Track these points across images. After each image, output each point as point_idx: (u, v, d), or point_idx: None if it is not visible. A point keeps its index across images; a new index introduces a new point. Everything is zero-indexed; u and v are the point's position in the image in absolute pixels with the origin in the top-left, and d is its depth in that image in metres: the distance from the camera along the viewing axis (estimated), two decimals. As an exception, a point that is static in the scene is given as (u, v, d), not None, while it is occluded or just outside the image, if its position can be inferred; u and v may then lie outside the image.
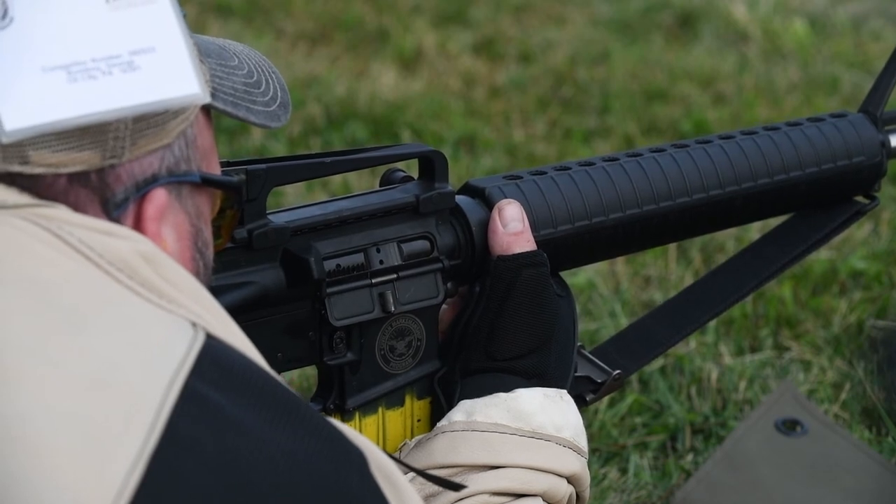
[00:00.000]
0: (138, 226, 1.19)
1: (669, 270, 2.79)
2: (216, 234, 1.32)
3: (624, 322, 2.56)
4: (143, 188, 1.19)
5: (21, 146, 1.14)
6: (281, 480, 1.09)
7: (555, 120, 3.62)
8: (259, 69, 1.34)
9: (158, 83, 1.18)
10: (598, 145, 3.45)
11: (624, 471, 2.21)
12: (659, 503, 2.15)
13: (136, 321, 1.12)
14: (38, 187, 1.16)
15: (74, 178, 1.17)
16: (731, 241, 2.86)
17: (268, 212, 1.43)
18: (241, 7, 4.28)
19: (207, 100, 1.22)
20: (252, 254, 1.42)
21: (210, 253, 1.26)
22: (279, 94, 1.34)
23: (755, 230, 2.81)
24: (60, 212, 1.15)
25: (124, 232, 1.16)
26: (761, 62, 4.01)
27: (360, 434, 1.20)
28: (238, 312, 1.31)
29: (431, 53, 4.01)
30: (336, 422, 1.17)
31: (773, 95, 3.77)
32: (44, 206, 1.15)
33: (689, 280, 2.73)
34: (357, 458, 1.15)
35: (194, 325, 1.13)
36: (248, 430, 1.09)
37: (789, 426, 2.22)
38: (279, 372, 1.45)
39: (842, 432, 2.22)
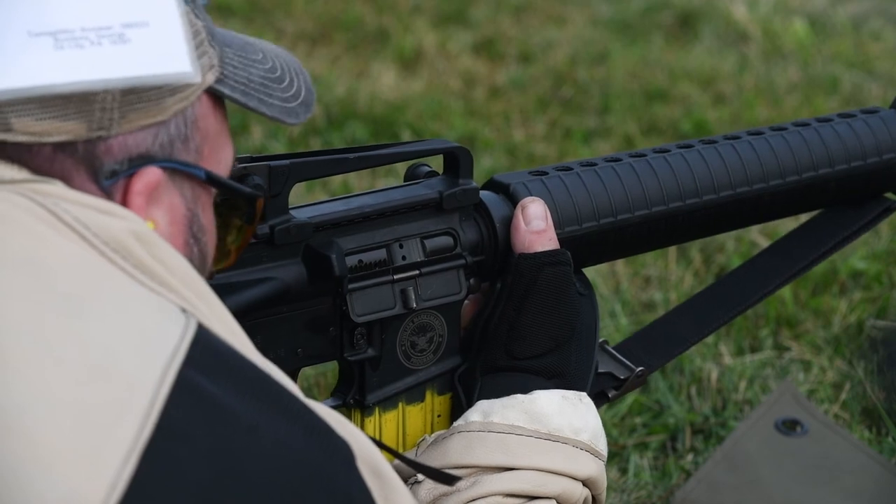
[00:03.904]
0: (125, 200, 1.17)
1: (669, 270, 2.79)
2: (225, 255, 1.31)
3: (624, 322, 2.57)
4: (136, 164, 1.18)
5: (2, 112, 1.13)
6: (272, 470, 1.09)
7: (555, 120, 3.62)
8: (286, 67, 1.31)
9: (148, 58, 1.17)
10: (599, 145, 3.45)
11: (624, 471, 2.21)
12: (659, 503, 2.15)
13: (130, 305, 1.11)
14: (23, 155, 1.15)
15: (59, 147, 1.15)
16: (731, 241, 2.86)
17: (290, 207, 1.43)
18: (241, 7, 4.28)
19: (198, 80, 1.19)
20: (274, 249, 1.41)
21: (207, 241, 1.25)
22: (303, 92, 1.31)
23: (755, 230, 2.81)
24: (56, 188, 1.14)
25: (120, 211, 1.15)
26: (761, 62, 4.01)
27: (349, 424, 1.19)
28: (259, 308, 1.30)
29: (431, 53, 4.01)
30: (323, 412, 1.16)
31: (773, 95, 3.77)
32: (39, 182, 1.14)
33: (689, 280, 2.73)
34: (343, 451, 1.15)
35: (184, 311, 1.13)
36: (240, 420, 1.09)
37: (789, 426, 2.22)
38: (299, 368, 1.45)
39: (842, 432, 2.22)
